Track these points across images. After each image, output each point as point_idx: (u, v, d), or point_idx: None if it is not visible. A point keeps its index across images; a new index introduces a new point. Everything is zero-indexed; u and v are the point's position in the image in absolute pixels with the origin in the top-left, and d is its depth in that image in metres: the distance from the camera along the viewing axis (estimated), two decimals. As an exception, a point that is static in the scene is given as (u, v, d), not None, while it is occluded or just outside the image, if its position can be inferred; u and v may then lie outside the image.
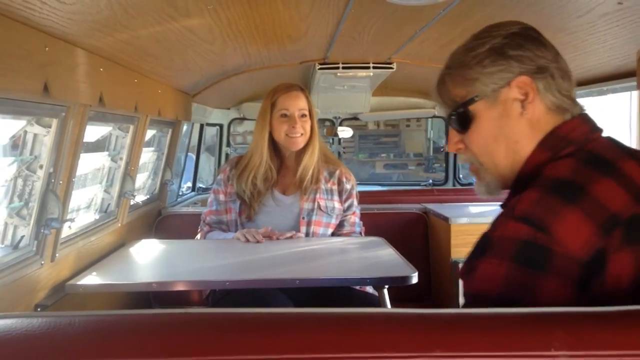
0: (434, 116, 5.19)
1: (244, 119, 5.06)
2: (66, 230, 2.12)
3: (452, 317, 0.86)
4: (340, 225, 2.65)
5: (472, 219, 3.18)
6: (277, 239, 2.44)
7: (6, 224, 1.91)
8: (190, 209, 3.97)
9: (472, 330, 0.82)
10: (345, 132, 5.36)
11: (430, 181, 5.59)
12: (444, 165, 5.45)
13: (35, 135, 1.85)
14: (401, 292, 2.22)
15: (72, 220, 2.09)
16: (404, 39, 2.61)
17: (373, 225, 2.84)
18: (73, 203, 2.18)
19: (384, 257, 2.26)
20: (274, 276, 2.01)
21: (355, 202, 2.68)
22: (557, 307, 0.87)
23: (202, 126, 4.68)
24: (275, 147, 2.59)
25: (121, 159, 2.75)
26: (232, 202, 2.59)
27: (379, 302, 2.16)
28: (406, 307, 0.98)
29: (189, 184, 4.86)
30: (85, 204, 2.58)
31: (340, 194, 2.65)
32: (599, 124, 1.17)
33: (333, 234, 2.62)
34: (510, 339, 0.81)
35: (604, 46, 2.11)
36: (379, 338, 0.83)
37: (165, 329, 0.85)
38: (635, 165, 1.06)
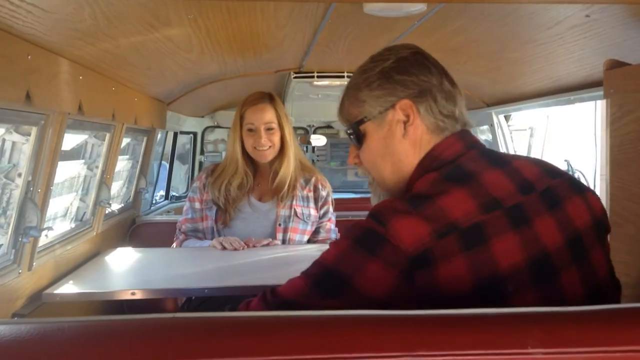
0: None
1: (217, 126, 5.06)
2: (43, 239, 2.10)
3: (434, 318, 0.90)
4: (316, 232, 2.67)
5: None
6: (254, 246, 2.46)
7: (-17, 233, 1.90)
8: (164, 217, 3.97)
9: (454, 330, 0.86)
10: (318, 141, 5.39)
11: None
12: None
13: (13, 143, 1.84)
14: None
15: (50, 228, 2.08)
16: (379, 48, 2.65)
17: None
18: (50, 211, 2.17)
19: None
20: (252, 282, 2.02)
21: (331, 209, 2.71)
22: (532, 308, 0.92)
23: (175, 134, 4.67)
24: (249, 156, 2.60)
25: (97, 167, 2.74)
26: (209, 210, 2.60)
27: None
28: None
29: (162, 192, 4.83)
30: (61, 213, 2.57)
31: (316, 201, 2.67)
32: (477, 140, 1.27)
33: (309, 241, 2.65)
34: (489, 337, 0.85)
35: (572, 57, 2.17)
36: (363, 339, 0.86)
37: (157, 333, 0.87)
38: (499, 174, 1.16)
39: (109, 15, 1.56)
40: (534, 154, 4.86)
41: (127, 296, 1.96)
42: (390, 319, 0.90)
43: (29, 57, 1.56)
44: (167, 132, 4.43)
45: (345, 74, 3.41)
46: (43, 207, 1.99)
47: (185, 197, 3.80)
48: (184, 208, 2.71)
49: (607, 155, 1.88)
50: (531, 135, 4.76)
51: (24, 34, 1.51)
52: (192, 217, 2.65)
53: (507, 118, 3.75)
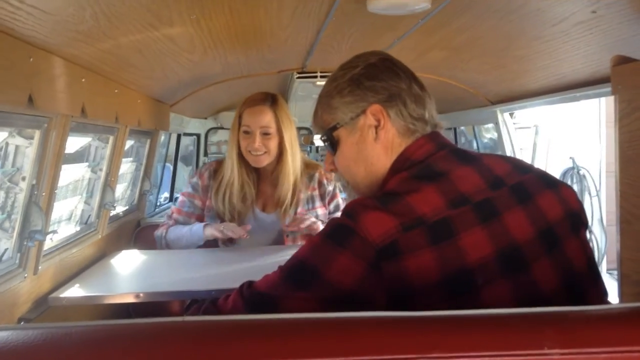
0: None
1: (221, 128, 5.06)
2: (48, 243, 2.10)
3: (448, 319, 0.88)
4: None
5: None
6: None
7: (-12, 237, 1.89)
8: (169, 219, 3.95)
9: (469, 332, 0.84)
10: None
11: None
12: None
13: (17, 147, 1.83)
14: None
15: (54, 232, 2.07)
16: (382, 47, 2.64)
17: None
18: (54, 215, 2.16)
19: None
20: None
21: (341, 202, 2.62)
22: (547, 308, 0.90)
23: (179, 136, 4.67)
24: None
25: (101, 170, 2.73)
26: (210, 217, 2.53)
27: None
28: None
29: (166, 194, 4.83)
30: (66, 216, 2.56)
31: (322, 197, 2.60)
32: (447, 140, 1.30)
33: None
34: (505, 338, 0.83)
35: (578, 54, 2.16)
36: (376, 341, 0.85)
37: (167, 337, 0.85)
38: (469, 171, 1.19)
39: (110, 16, 1.55)
40: (539, 152, 4.84)
41: (133, 299, 1.95)
42: (404, 321, 0.88)
43: (31, 59, 1.55)
44: (170, 133, 4.42)
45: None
46: (48, 211, 1.98)
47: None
48: (180, 199, 2.61)
49: (617, 152, 1.86)
50: (536, 133, 4.74)
51: (25, 37, 1.50)
52: (186, 211, 2.57)
53: (510, 116, 3.73)
